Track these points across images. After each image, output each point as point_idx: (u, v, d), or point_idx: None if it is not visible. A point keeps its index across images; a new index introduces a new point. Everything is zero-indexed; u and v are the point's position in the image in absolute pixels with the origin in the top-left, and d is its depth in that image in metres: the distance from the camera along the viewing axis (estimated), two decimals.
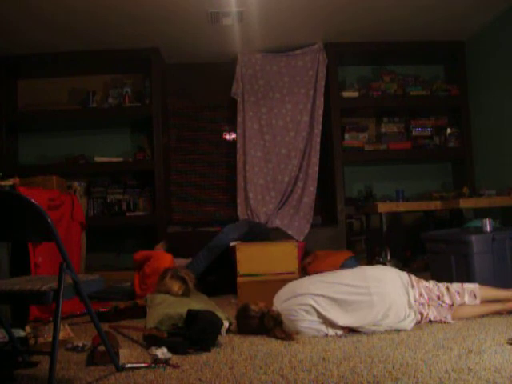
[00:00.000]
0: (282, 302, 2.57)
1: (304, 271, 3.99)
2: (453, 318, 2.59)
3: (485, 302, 2.65)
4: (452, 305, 2.59)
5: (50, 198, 3.35)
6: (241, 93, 5.30)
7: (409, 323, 2.49)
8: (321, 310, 2.45)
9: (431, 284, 2.64)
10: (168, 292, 3.14)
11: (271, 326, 2.49)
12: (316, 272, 3.22)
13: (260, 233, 4.44)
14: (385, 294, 2.48)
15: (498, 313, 2.66)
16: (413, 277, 2.65)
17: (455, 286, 2.64)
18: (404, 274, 2.64)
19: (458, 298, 2.59)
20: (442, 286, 2.64)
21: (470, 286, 2.64)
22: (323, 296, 2.48)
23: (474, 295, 2.61)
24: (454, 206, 4.25)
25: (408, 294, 2.53)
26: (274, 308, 2.59)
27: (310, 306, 2.46)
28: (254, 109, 5.29)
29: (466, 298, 2.60)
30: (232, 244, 3.86)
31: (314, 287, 2.53)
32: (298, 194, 5.24)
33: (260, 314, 2.54)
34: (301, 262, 4.25)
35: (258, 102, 5.30)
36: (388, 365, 1.94)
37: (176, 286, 3.18)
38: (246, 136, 5.25)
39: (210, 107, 5.64)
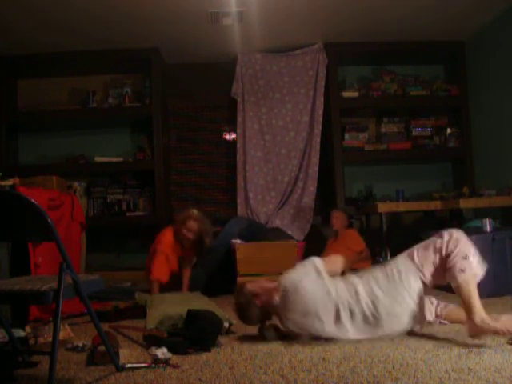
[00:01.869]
0: (301, 315, 2.33)
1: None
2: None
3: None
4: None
5: (50, 198, 3.35)
6: (241, 93, 5.30)
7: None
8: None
9: (435, 301, 2.52)
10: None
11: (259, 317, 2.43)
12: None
13: (259, 231, 4.44)
14: (394, 330, 2.32)
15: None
16: (428, 300, 2.44)
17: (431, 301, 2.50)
18: (418, 295, 2.29)
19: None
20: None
21: (431, 307, 2.46)
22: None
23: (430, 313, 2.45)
24: (453, 206, 4.25)
25: (417, 323, 2.34)
26: (280, 307, 2.39)
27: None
28: (254, 109, 5.29)
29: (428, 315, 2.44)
30: (233, 241, 3.86)
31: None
32: (298, 194, 5.24)
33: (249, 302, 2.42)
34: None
35: (257, 102, 5.30)
36: (388, 365, 1.94)
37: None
38: (246, 136, 5.25)
39: (210, 107, 5.64)
